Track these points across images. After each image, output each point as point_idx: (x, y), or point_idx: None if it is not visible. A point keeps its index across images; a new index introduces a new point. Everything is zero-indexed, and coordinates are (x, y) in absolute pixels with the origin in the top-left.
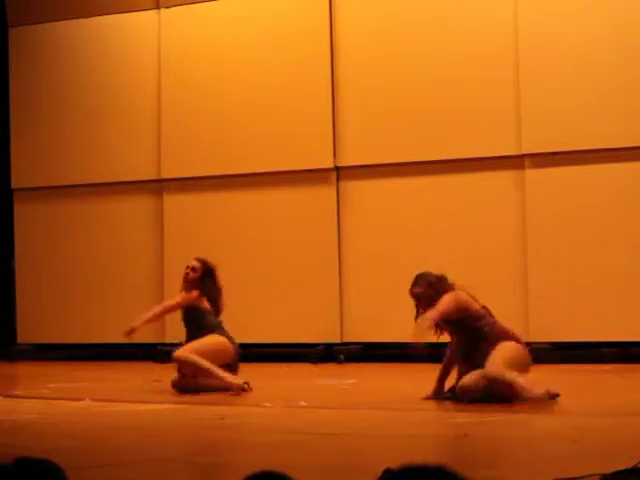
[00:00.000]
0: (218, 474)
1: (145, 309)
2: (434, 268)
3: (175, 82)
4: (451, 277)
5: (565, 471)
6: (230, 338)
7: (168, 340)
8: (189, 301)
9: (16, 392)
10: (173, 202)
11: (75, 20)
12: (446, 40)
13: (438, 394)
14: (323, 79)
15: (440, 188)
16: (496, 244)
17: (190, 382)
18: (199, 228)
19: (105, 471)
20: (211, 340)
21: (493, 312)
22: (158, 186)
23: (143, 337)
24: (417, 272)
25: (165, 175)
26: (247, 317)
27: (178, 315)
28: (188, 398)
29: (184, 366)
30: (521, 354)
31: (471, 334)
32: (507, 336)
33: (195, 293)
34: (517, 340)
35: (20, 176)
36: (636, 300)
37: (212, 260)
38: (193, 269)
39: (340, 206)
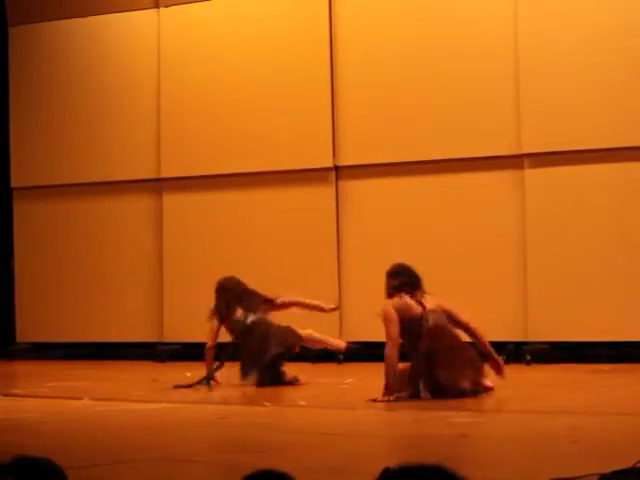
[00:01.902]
0: (218, 473)
1: (144, 308)
2: (433, 268)
3: (175, 81)
4: (451, 277)
5: (564, 471)
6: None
7: (167, 340)
8: (214, 334)
9: (15, 391)
10: (173, 201)
11: (75, 20)
12: (446, 40)
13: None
14: (323, 79)
15: (439, 187)
16: (495, 244)
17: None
18: (199, 228)
19: (104, 470)
20: None
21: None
22: (158, 185)
23: (142, 337)
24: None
25: (165, 174)
26: None
27: (177, 315)
28: (188, 398)
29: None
30: None
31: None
32: None
33: (214, 324)
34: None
35: (20, 175)
36: (636, 300)
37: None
38: None
39: (339, 205)
